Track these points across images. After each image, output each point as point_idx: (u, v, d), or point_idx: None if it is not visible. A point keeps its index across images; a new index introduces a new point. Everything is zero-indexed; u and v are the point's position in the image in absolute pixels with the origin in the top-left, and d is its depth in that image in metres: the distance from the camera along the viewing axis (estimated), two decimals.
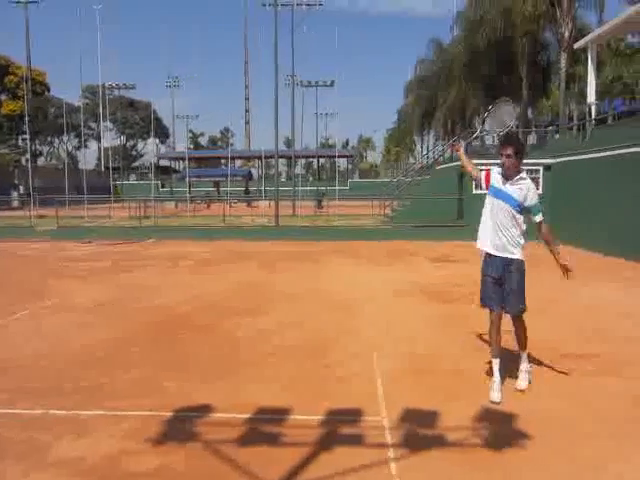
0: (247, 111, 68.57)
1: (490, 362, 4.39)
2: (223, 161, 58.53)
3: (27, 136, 39.19)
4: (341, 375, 4.74)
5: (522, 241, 4.35)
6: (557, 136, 25.04)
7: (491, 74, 30.32)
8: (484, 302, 4.37)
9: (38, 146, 62.22)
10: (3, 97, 55.98)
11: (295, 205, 24.96)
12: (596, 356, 5.22)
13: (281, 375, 4.75)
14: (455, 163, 20.04)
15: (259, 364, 5.05)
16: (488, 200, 4.35)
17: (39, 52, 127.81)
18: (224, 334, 6.08)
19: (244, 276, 10.12)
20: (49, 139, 66.22)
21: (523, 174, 4.24)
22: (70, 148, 67.72)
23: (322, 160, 64.61)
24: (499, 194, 4.24)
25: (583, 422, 3.76)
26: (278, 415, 3.90)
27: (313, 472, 3.13)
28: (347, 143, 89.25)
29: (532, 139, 32.99)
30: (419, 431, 3.64)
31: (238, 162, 67.85)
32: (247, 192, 42.96)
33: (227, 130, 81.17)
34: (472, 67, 30.52)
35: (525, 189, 4.20)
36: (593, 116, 17.71)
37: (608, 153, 13.16)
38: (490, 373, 4.38)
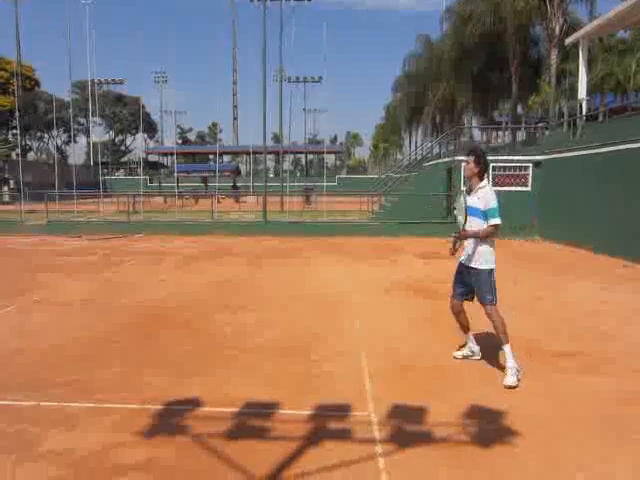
0: (235, 107, 68.34)
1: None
2: (211, 156, 58.26)
3: (17, 131, 38.74)
4: (328, 371, 4.77)
5: (491, 247, 4.61)
6: (547, 132, 25.19)
7: (480, 70, 30.42)
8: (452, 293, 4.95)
9: (28, 141, 61.57)
10: None
11: (283, 201, 24.92)
12: (580, 353, 5.29)
13: (267, 371, 4.77)
14: (443, 160, 20.12)
15: (245, 360, 5.06)
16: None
17: (29, 47, 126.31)
18: (209, 330, 6.08)
19: (230, 272, 10.11)
20: (39, 134, 65.50)
21: (482, 183, 4.59)
22: (59, 143, 67.09)
23: (310, 156, 64.47)
24: (469, 211, 4.61)
25: (567, 421, 3.81)
26: (265, 409, 3.92)
27: (301, 466, 3.15)
28: (335, 139, 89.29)
29: (521, 135, 33.19)
30: (406, 427, 3.68)
31: (226, 158, 67.55)
32: (235, 187, 42.81)
33: (215, 125, 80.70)
34: (461, 63, 30.57)
35: (483, 195, 4.52)
36: (584, 112, 17.84)
37: (599, 150, 13.26)
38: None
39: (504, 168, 16.90)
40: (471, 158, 4.60)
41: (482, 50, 28.53)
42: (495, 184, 16.82)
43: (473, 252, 4.61)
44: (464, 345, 5.13)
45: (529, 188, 16.86)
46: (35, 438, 3.48)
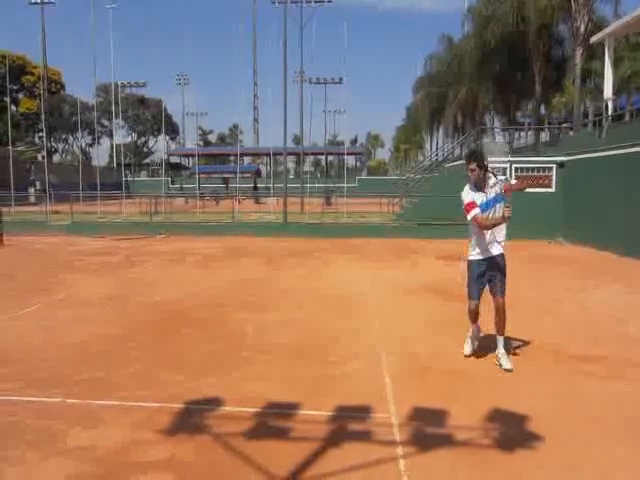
0: (256, 108, 68.62)
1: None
2: (232, 158, 58.68)
3: (43, 134, 39.62)
4: (346, 372, 4.76)
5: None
6: (571, 133, 24.76)
7: (503, 70, 30.07)
8: (472, 297, 5.00)
9: (53, 143, 62.86)
10: (20, 96, 56.77)
11: (303, 202, 24.97)
12: (603, 358, 5.18)
13: (286, 371, 4.77)
14: (464, 161, 19.90)
15: (263, 360, 5.08)
16: (480, 214, 4.80)
17: (54, 51, 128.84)
18: (228, 330, 6.12)
19: (247, 273, 10.16)
20: (64, 136, 66.88)
21: (488, 174, 4.81)
22: (84, 145, 68.33)
23: (330, 157, 64.51)
24: (489, 205, 4.78)
25: (590, 425, 3.74)
26: (285, 410, 3.93)
27: (322, 467, 3.15)
28: (356, 140, 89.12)
29: (545, 136, 32.68)
30: (426, 429, 3.65)
31: (247, 159, 67.97)
32: (255, 189, 43.06)
33: (236, 127, 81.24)
34: (483, 63, 30.24)
35: (494, 181, 4.79)
36: (610, 112, 17.49)
37: (626, 150, 12.96)
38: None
39: (527, 169, 16.66)
40: (474, 164, 4.72)
41: (504, 50, 28.20)
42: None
43: (502, 234, 4.86)
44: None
45: (553, 189, 16.58)
46: (60, 434, 3.55)
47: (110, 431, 3.59)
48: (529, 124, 35.76)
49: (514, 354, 5.16)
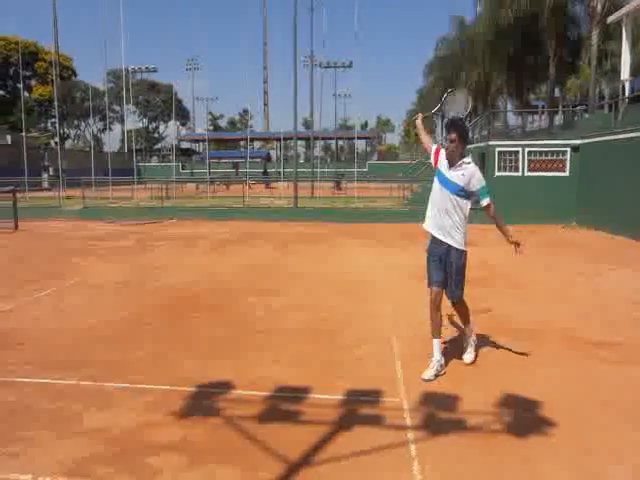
0: (266, 93, 68.38)
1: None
2: (242, 143, 58.57)
3: (56, 120, 39.83)
4: (358, 355, 4.76)
5: (464, 228, 4.28)
6: (586, 116, 24.35)
7: (516, 52, 29.53)
8: (430, 283, 4.40)
9: (66, 129, 63.18)
10: (33, 82, 57.00)
11: (313, 187, 24.91)
12: (619, 342, 5.13)
13: (297, 354, 4.79)
14: (476, 145, 19.68)
15: (275, 343, 5.09)
16: (435, 182, 4.34)
17: (65, 37, 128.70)
18: (239, 314, 6.14)
19: (259, 257, 10.18)
20: (76, 122, 67.16)
21: (467, 159, 4.20)
22: (95, 131, 68.59)
23: (340, 142, 64.06)
24: (441, 179, 4.26)
25: (605, 411, 3.70)
26: (296, 394, 3.94)
27: (332, 450, 3.15)
28: (366, 125, 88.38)
29: (559, 119, 32.19)
30: (438, 413, 3.64)
31: (257, 144, 67.84)
32: (266, 173, 43.02)
33: (246, 112, 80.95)
34: (496, 45, 29.71)
35: (468, 175, 4.15)
36: (627, 94, 17.13)
37: None
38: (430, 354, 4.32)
39: (540, 153, 16.42)
40: (454, 135, 4.11)
41: (518, 31, 27.66)
42: (531, 169, 16.39)
43: (452, 224, 4.22)
44: (468, 343, 4.66)
45: (567, 173, 16.34)
46: (74, 416, 3.59)
47: (124, 413, 3.63)
48: (543, 107, 35.21)
49: (524, 354, 4.76)
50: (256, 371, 4.38)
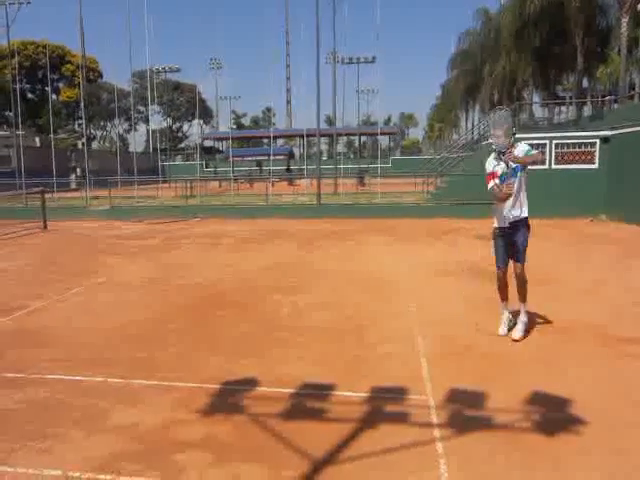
0: (288, 90, 68.34)
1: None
2: (265, 140, 58.79)
3: (83, 121, 40.62)
4: (383, 353, 4.73)
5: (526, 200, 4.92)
6: (616, 106, 23.67)
7: (542, 42, 28.87)
8: (498, 264, 5.07)
9: (92, 130, 64.40)
10: (61, 85, 58.25)
11: (337, 183, 24.85)
12: None
13: (322, 352, 4.78)
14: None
15: (299, 341, 5.10)
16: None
17: (90, 39, 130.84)
18: (263, 312, 6.16)
19: (284, 254, 10.20)
20: (102, 123, 68.42)
21: (514, 143, 4.77)
22: (121, 131, 69.75)
23: (363, 138, 63.74)
24: (508, 175, 4.71)
25: (637, 411, 3.60)
26: (320, 391, 3.93)
27: (358, 448, 3.14)
28: (389, 120, 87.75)
29: (588, 110, 31.40)
30: (464, 411, 3.59)
31: (280, 141, 67.98)
32: (289, 170, 43.10)
33: (269, 110, 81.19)
34: (522, 36, 29.10)
35: (518, 151, 4.66)
36: None
37: None
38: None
39: (568, 145, 16.05)
40: (499, 131, 4.69)
41: (544, 21, 27.05)
42: (558, 162, 16.05)
43: (520, 201, 4.85)
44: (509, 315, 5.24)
45: (596, 166, 15.94)
46: (103, 412, 3.66)
47: (151, 410, 3.68)
48: (570, 98, 34.40)
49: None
50: (281, 369, 4.39)
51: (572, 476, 2.86)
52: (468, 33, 39.86)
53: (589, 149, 15.94)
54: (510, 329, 5.07)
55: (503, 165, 4.73)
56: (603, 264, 8.79)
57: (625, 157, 14.84)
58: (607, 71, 31.78)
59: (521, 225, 4.88)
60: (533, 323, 5.39)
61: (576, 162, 15.94)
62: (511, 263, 5.00)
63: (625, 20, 22.35)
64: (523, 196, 4.86)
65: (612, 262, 8.93)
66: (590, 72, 31.56)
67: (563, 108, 41.45)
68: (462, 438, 3.25)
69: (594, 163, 15.92)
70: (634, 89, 26.11)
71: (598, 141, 15.86)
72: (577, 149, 16.01)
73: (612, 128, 15.68)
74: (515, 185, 4.74)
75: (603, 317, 5.72)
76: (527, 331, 5.09)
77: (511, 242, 4.92)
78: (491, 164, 4.85)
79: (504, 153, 4.69)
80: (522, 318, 5.07)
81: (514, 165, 4.67)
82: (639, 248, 10.44)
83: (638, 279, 7.61)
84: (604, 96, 28.78)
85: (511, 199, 4.77)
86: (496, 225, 5.05)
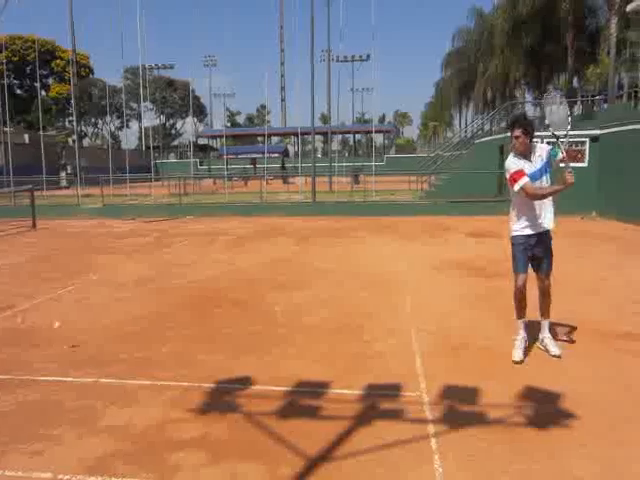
0: (283, 88, 68.23)
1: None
2: (260, 138, 58.68)
3: (74, 118, 40.32)
4: (378, 350, 4.73)
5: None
6: (605, 106, 23.84)
7: (534, 42, 29.05)
8: (519, 271, 4.54)
9: (83, 127, 63.97)
10: (51, 81, 57.73)
11: (331, 181, 24.85)
12: None
13: (319, 350, 4.77)
14: (494, 137, 19.42)
15: (295, 339, 5.09)
16: (529, 186, 4.38)
17: (82, 35, 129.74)
18: (260, 309, 6.14)
19: (280, 252, 10.19)
20: (93, 120, 67.96)
21: (535, 143, 4.48)
22: (113, 129, 69.33)
23: (358, 136, 63.77)
24: (536, 175, 4.39)
25: (635, 406, 3.62)
26: (317, 389, 3.93)
27: (353, 446, 3.14)
28: (383, 118, 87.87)
29: (578, 110, 31.58)
30: (459, 407, 3.60)
31: (275, 139, 67.88)
32: (283, 168, 43.04)
33: (263, 107, 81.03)
34: (514, 36, 29.27)
35: (540, 151, 4.44)
36: None
37: None
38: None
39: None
40: (519, 131, 4.34)
41: (536, 21, 27.21)
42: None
43: (550, 207, 4.47)
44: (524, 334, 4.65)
45: (586, 164, 16.03)
46: (96, 413, 3.62)
47: (146, 410, 3.65)
48: (561, 97, 34.56)
49: (570, 341, 4.81)
50: (280, 366, 4.38)
51: (570, 468, 2.88)
52: (462, 32, 39.96)
53: (579, 148, 16.04)
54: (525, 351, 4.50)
55: (529, 163, 4.40)
56: (601, 260, 8.85)
57: (615, 156, 14.96)
58: (597, 71, 31.99)
59: (549, 234, 4.51)
60: (533, 320, 5.41)
61: (567, 160, 15.99)
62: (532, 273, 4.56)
63: (614, 21, 22.53)
64: (550, 204, 4.45)
65: (609, 258, 9.00)
66: (580, 72, 31.76)
67: (554, 108, 41.57)
68: (457, 434, 3.25)
69: (584, 161, 16.02)
70: (622, 89, 26.26)
71: (588, 140, 15.97)
72: (568, 147, 16.06)
73: (601, 127, 15.79)
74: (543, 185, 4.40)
75: (603, 313, 5.76)
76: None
77: (538, 252, 4.49)
78: (516, 163, 4.42)
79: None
80: (547, 334, 4.62)
81: (540, 165, 4.40)
82: (631, 245, 10.52)
83: (633, 275, 7.67)
84: (594, 96, 28.92)
85: (544, 202, 4.40)
86: (520, 232, 4.51)
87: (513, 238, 4.58)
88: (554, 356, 4.43)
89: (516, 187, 4.35)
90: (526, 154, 4.41)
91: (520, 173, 4.34)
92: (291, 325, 5.51)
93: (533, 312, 4.75)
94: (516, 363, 4.31)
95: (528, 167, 4.38)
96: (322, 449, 3.09)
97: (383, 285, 7.26)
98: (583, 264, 8.58)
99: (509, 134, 4.49)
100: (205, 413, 3.59)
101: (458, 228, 13.36)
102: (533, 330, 4.71)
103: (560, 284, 7.18)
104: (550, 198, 4.42)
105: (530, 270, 4.57)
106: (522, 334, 4.53)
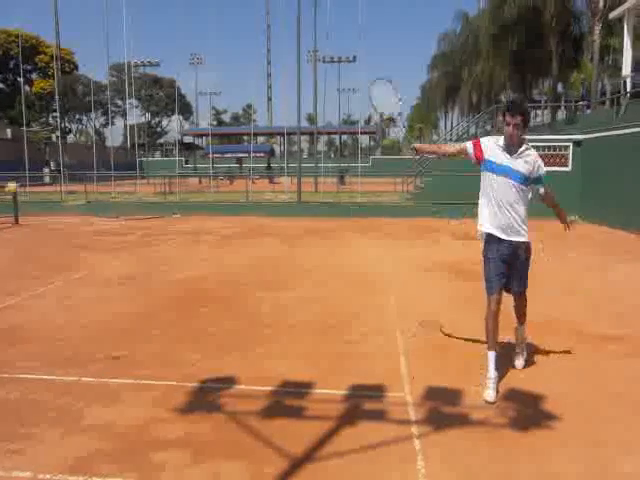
0: (269, 87, 68.21)
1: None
2: (246, 138, 58.48)
3: (57, 114, 39.76)
4: (363, 351, 4.75)
5: (527, 219, 3.97)
6: (588, 111, 24.20)
7: (519, 47, 29.35)
8: (491, 288, 3.95)
9: (67, 123, 63.10)
10: (34, 76, 56.86)
11: (317, 182, 24.85)
12: (626, 335, 5.11)
13: (303, 350, 4.78)
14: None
15: (280, 339, 5.09)
16: (486, 177, 3.92)
17: (67, 31, 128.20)
18: (245, 308, 6.13)
19: (266, 251, 10.18)
20: (78, 117, 67.12)
21: (527, 144, 3.87)
22: (97, 125, 68.55)
23: (344, 137, 63.96)
24: (500, 169, 3.82)
25: (614, 403, 3.70)
26: (301, 389, 3.93)
27: (337, 446, 3.15)
28: (369, 120, 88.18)
29: (561, 114, 32.00)
30: (443, 408, 3.63)
31: (261, 139, 67.69)
32: (269, 168, 42.94)
33: (250, 107, 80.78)
34: (500, 40, 29.53)
35: (531, 161, 3.82)
36: (628, 89, 17.04)
37: None
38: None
39: (542, 148, 16.35)
40: (518, 118, 3.70)
41: (521, 26, 27.50)
42: None
43: (517, 218, 3.86)
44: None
45: (569, 168, 16.28)
46: (78, 412, 3.58)
47: (129, 409, 3.62)
48: (545, 102, 35.02)
49: (567, 352, 4.66)
50: (264, 366, 4.37)
51: (550, 468, 2.92)
52: (448, 35, 40.29)
53: (562, 152, 16.29)
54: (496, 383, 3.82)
55: (507, 157, 3.82)
56: (579, 262, 8.99)
57: (597, 160, 15.22)
58: (580, 77, 32.46)
59: (520, 250, 3.94)
60: (511, 321, 5.48)
61: (550, 164, 16.24)
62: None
63: (597, 28, 22.88)
64: (522, 214, 3.89)
65: (588, 260, 9.14)
66: (565, 77, 32.19)
67: (538, 112, 42.20)
68: (439, 434, 3.28)
69: (567, 166, 16.27)
70: (605, 95, 26.67)
71: (571, 144, 16.22)
72: (551, 152, 16.33)
73: (584, 132, 16.05)
74: (516, 195, 3.83)
75: (580, 313, 5.86)
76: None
77: (506, 261, 3.92)
78: (487, 141, 3.93)
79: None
80: (523, 344, 4.33)
81: (520, 168, 3.80)
82: (612, 248, 10.70)
83: (613, 276, 7.81)
84: (577, 101, 29.35)
85: (501, 207, 3.83)
86: (485, 230, 3.97)
87: (482, 237, 4.06)
88: (515, 366, 4.27)
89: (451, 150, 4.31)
90: (510, 147, 3.82)
91: (473, 141, 3.98)
92: (276, 325, 5.51)
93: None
94: (489, 403, 3.65)
95: (502, 159, 3.81)
96: (306, 449, 3.10)
97: (368, 286, 7.29)
98: (561, 265, 8.72)
99: (501, 118, 3.92)
100: (189, 413, 3.57)
101: (442, 230, 13.48)
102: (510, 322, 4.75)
103: (538, 284, 7.30)
104: (523, 204, 3.89)
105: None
106: (493, 375, 3.80)
